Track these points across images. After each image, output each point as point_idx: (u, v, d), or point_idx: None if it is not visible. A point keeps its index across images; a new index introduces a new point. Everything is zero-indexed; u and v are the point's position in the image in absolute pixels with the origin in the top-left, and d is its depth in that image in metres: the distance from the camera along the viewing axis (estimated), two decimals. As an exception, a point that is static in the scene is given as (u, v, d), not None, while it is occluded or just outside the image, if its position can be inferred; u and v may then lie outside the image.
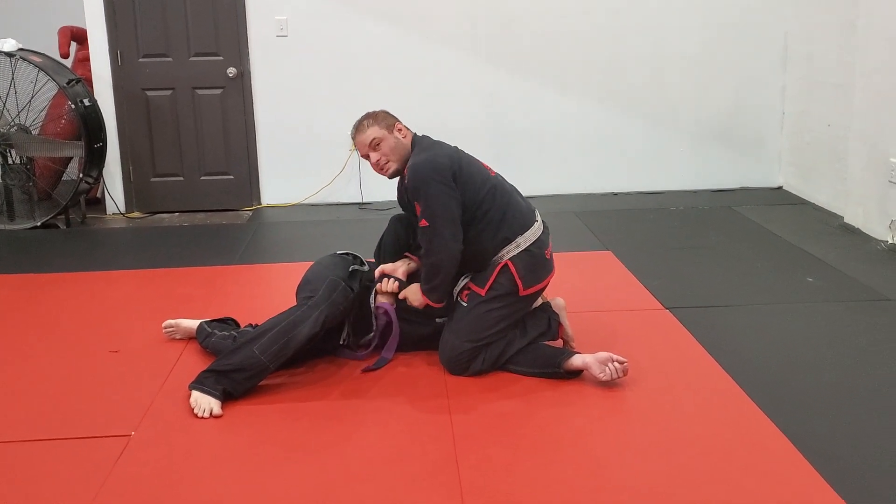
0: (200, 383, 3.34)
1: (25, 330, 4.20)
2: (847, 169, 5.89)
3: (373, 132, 3.62)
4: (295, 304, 3.62)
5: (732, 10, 6.75)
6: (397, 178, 3.73)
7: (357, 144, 3.70)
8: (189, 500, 2.72)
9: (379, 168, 3.67)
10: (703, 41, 6.80)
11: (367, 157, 3.67)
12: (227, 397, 3.34)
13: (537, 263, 3.59)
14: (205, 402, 3.28)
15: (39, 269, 5.21)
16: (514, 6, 6.68)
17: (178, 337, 3.96)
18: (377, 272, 3.71)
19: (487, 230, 3.53)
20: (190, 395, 3.33)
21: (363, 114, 3.74)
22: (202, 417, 3.23)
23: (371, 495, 2.72)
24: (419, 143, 3.68)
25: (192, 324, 3.93)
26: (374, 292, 3.69)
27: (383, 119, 3.67)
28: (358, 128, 3.68)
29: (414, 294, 3.63)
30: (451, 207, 3.47)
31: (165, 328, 3.98)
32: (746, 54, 6.84)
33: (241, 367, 3.35)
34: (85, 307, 4.51)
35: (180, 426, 3.18)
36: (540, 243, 3.61)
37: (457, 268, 3.55)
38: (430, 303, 3.59)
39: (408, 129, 3.73)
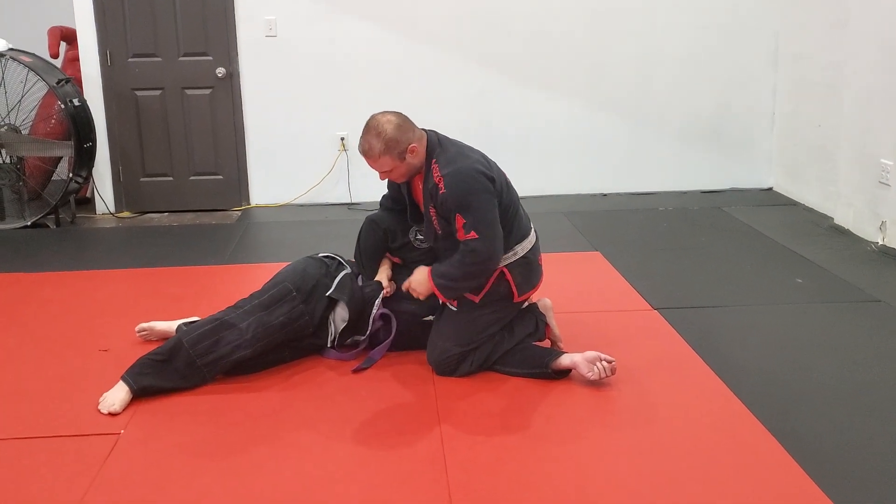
0: (126, 375, 3.36)
1: (15, 328, 4.18)
2: (837, 170, 5.90)
3: (385, 163, 3.37)
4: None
5: (722, 10, 6.77)
6: None
7: (366, 161, 3.44)
8: (177, 498, 2.71)
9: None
10: (692, 41, 6.82)
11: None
12: (147, 393, 3.35)
13: (532, 271, 3.58)
14: (111, 398, 3.28)
15: (29, 269, 5.19)
16: (501, 8, 6.68)
17: (153, 339, 3.91)
18: (404, 287, 3.56)
19: None
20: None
21: (372, 122, 3.37)
22: (106, 413, 3.23)
23: (359, 494, 2.72)
24: (440, 145, 3.45)
25: (168, 326, 3.90)
26: (380, 297, 3.67)
27: (395, 146, 3.33)
28: (368, 152, 3.36)
29: (420, 283, 3.44)
30: (497, 217, 3.34)
31: (139, 331, 3.93)
32: (736, 55, 6.86)
33: (169, 357, 3.40)
34: (74, 306, 4.50)
35: (169, 424, 3.17)
36: (535, 250, 3.60)
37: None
38: (440, 295, 3.42)
39: (421, 135, 3.44)
